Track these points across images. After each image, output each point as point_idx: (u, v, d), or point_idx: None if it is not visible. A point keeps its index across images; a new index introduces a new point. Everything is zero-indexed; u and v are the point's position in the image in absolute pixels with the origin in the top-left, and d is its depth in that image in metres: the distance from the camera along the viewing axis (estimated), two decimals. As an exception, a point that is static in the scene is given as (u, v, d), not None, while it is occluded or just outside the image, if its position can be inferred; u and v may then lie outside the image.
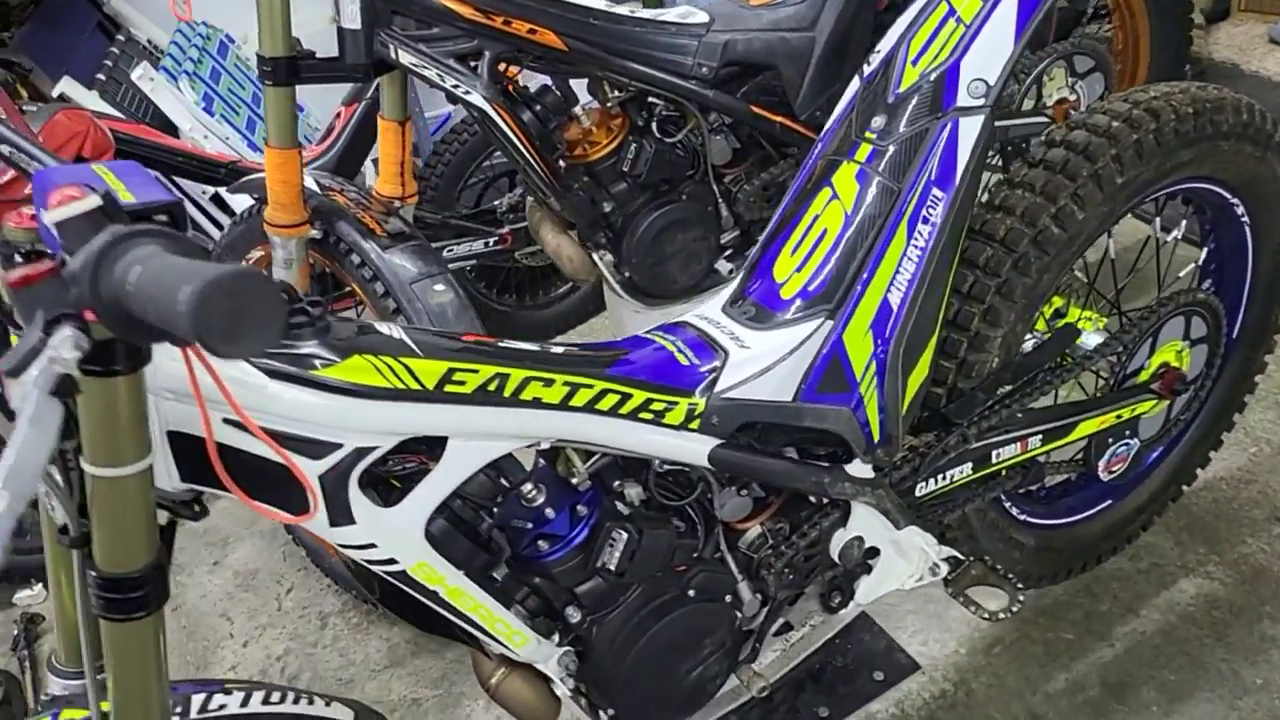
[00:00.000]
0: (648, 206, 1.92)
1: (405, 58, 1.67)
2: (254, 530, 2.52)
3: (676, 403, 1.16)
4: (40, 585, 2.25)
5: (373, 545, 1.01)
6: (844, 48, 1.88)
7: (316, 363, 0.94)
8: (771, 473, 1.22)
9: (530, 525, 1.17)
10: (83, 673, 0.97)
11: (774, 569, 1.29)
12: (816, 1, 1.88)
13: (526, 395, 1.06)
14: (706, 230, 1.97)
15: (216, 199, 2.60)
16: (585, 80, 1.92)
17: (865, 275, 1.23)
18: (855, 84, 1.35)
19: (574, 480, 1.18)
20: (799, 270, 1.26)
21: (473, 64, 1.70)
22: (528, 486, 1.15)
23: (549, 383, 1.08)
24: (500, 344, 1.10)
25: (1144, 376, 1.63)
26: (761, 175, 1.99)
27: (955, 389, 1.42)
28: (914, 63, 1.27)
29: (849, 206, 1.25)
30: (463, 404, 1.02)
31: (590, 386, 1.11)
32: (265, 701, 1.10)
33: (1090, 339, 1.58)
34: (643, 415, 1.14)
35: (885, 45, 1.34)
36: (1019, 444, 1.48)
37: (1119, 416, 1.58)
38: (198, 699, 1.07)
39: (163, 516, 0.95)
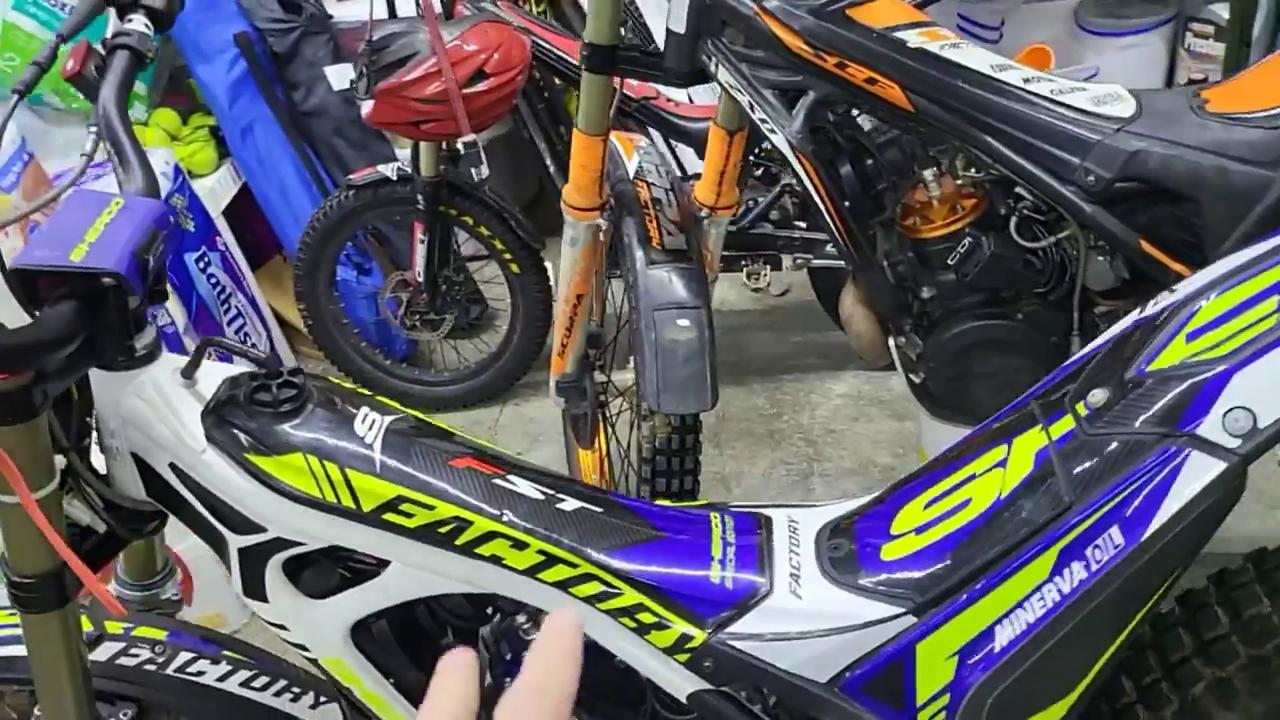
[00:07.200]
0: (971, 311, 1.57)
1: (723, 74, 1.48)
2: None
3: (671, 624, 0.96)
4: None
5: (284, 627, 0.99)
6: (1313, 206, 1.33)
7: (252, 447, 0.91)
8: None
9: (510, 656, 1.07)
10: None
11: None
12: (1300, 131, 1.33)
13: (484, 550, 0.94)
14: (1035, 362, 1.56)
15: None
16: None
17: (978, 587, 0.89)
18: (1129, 320, 0.94)
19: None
20: (917, 533, 0.95)
21: (794, 100, 1.47)
22: (522, 618, 1.04)
23: (520, 545, 0.94)
24: (495, 482, 0.97)
25: None
26: (1141, 321, 1.52)
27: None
28: (1191, 337, 0.84)
29: (1006, 489, 0.90)
30: (401, 535, 0.93)
31: (573, 566, 0.95)
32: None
33: None
34: (624, 620, 0.96)
35: (1193, 281, 0.91)
36: None
37: None
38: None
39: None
